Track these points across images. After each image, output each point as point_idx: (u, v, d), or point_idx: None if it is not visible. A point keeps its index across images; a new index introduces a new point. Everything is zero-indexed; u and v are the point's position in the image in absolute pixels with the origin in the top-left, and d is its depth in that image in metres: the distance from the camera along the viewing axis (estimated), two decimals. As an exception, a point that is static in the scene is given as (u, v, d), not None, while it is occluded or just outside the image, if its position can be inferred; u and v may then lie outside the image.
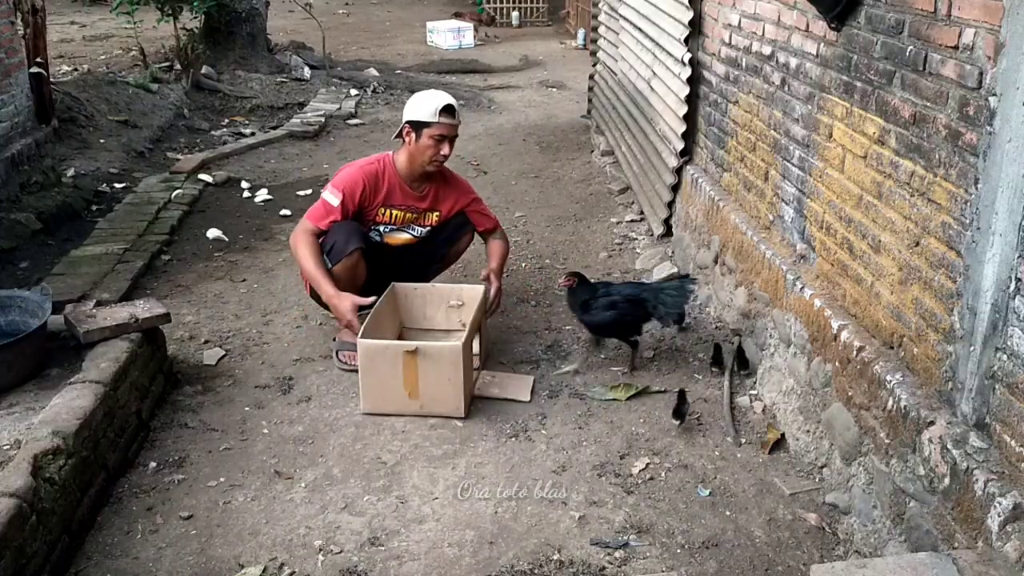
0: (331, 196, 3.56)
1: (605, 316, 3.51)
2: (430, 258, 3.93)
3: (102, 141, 6.68)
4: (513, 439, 3.11)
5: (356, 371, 3.56)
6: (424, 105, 3.57)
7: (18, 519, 2.23)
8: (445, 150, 3.60)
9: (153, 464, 2.98)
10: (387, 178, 3.65)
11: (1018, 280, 1.96)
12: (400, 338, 3.68)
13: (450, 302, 3.73)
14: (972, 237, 2.12)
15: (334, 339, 3.75)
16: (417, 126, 3.56)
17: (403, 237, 3.80)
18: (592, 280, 3.81)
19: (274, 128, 7.83)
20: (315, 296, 3.82)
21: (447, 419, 3.23)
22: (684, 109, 4.41)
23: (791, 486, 2.83)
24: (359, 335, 3.23)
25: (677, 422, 3.14)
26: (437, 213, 3.81)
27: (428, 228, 3.82)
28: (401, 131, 3.63)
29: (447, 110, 3.56)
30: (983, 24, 2.06)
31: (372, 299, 3.45)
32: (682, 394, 3.18)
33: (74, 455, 2.57)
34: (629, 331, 3.59)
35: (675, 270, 4.46)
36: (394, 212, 3.71)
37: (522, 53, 12.14)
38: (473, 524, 2.67)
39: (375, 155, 3.74)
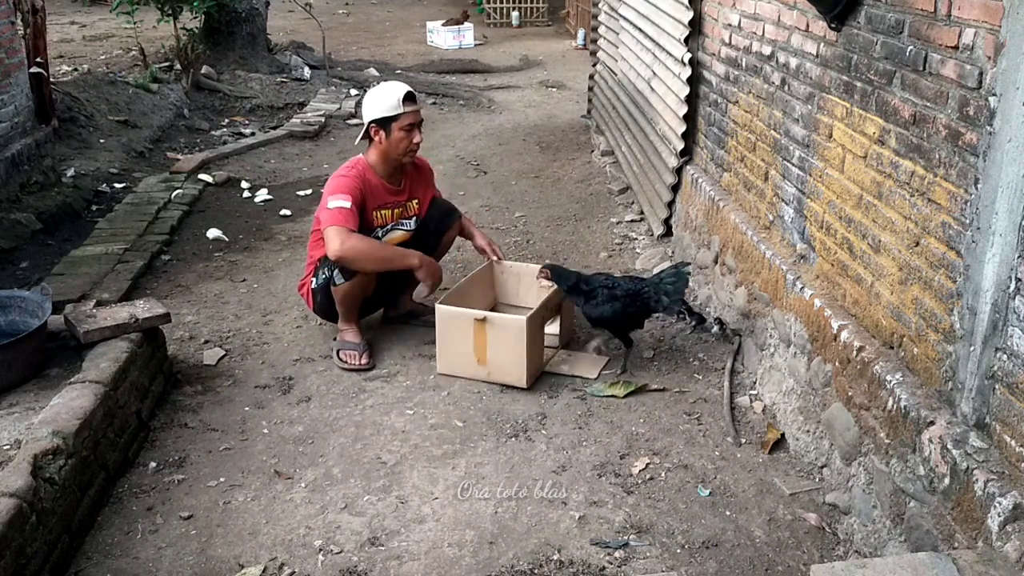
0: (342, 201, 3.50)
1: (606, 309, 3.51)
2: (423, 250, 3.93)
3: (102, 141, 6.68)
4: (513, 439, 3.11)
5: (356, 370, 3.59)
6: (384, 100, 3.57)
7: (18, 519, 2.23)
8: (417, 138, 3.63)
9: (153, 464, 2.98)
10: (369, 180, 3.65)
11: (1018, 280, 1.96)
12: (494, 312, 3.81)
13: (541, 283, 3.86)
14: (972, 237, 2.12)
15: (334, 339, 3.75)
16: (384, 122, 3.57)
17: (398, 235, 3.81)
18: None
19: (274, 128, 7.82)
20: (320, 311, 3.80)
21: (449, 425, 3.24)
22: (684, 109, 4.42)
23: (791, 486, 2.83)
24: (438, 301, 3.40)
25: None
26: (416, 200, 3.86)
27: (414, 218, 3.86)
28: (367, 132, 3.63)
29: (408, 98, 3.58)
30: (983, 24, 2.06)
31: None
32: (696, 315, 3.87)
33: (74, 455, 2.57)
34: (631, 325, 3.59)
35: (675, 269, 4.46)
36: (384, 212, 3.73)
37: (522, 53, 12.13)
38: (473, 524, 2.67)
39: (348, 162, 3.72)
